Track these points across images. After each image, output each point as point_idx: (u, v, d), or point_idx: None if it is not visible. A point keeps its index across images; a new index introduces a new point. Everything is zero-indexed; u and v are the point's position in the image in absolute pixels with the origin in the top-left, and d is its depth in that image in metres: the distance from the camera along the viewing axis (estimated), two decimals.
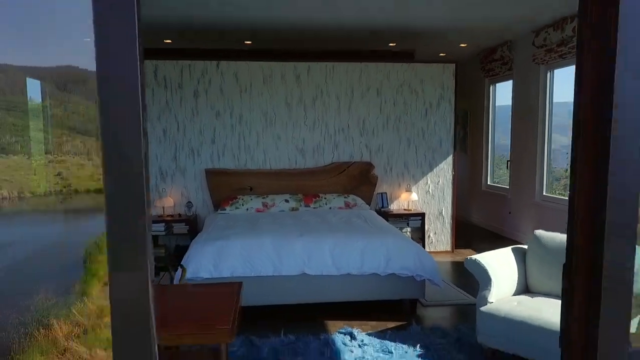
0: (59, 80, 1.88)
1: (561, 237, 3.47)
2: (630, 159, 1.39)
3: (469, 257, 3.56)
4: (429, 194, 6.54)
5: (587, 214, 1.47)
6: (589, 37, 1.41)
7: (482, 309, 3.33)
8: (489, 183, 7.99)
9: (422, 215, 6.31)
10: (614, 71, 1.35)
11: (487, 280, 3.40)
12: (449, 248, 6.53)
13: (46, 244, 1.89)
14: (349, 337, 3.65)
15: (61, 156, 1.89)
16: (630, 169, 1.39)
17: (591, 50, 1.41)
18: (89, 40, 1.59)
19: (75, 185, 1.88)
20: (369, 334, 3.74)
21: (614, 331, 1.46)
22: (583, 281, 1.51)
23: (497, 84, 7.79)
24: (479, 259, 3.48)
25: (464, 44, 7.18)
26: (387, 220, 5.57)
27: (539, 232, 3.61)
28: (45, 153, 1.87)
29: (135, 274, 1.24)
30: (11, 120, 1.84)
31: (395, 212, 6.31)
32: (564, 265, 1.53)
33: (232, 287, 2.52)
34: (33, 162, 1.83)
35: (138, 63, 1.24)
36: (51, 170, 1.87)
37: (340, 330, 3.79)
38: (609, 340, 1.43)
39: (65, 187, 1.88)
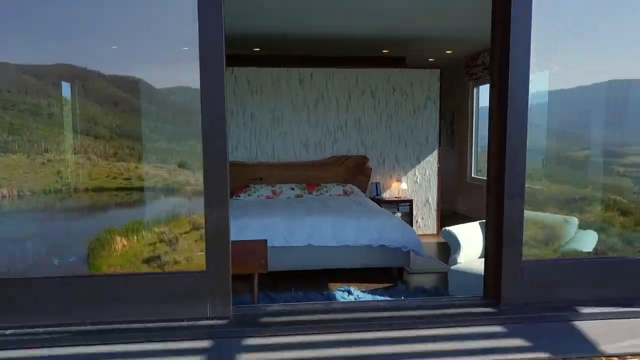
0: (58, 79, 1.92)
1: None
2: (518, 145, 2.19)
3: (444, 228, 4.42)
4: (417, 184, 7.41)
5: (497, 187, 2.26)
6: (499, 38, 2.18)
7: (453, 267, 4.19)
8: (473, 176, 8.85)
9: (411, 202, 7.18)
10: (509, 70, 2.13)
11: (457, 246, 4.26)
12: (434, 231, 7.40)
13: (47, 243, 1.99)
14: (346, 293, 4.51)
15: (60, 155, 1.93)
16: (519, 152, 2.19)
17: (498, 55, 2.19)
18: (115, 48, 2.00)
19: (74, 184, 1.96)
20: (363, 291, 4.60)
21: (512, 267, 2.30)
22: (494, 236, 2.33)
23: (480, 87, 8.61)
24: (451, 229, 4.34)
25: (449, 50, 8.02)
26: (380, 206, 6.44)
27: None
28: (44, 152, 1.91)
29: (221, 218, 2.11)
30: (8, 118, 1.86)
31: (387, 199, 7.18)
32: (486, 227, 2.36)
33: (259, 242, 3.38)
34: (32, 161, 1.88)
35: (224, 81, 2.07)
36: (50, 169, 1.91)
37: (340, 289, 4.65)
38: (509, 272, 2.26)
39: (64, 186, 1.94)
